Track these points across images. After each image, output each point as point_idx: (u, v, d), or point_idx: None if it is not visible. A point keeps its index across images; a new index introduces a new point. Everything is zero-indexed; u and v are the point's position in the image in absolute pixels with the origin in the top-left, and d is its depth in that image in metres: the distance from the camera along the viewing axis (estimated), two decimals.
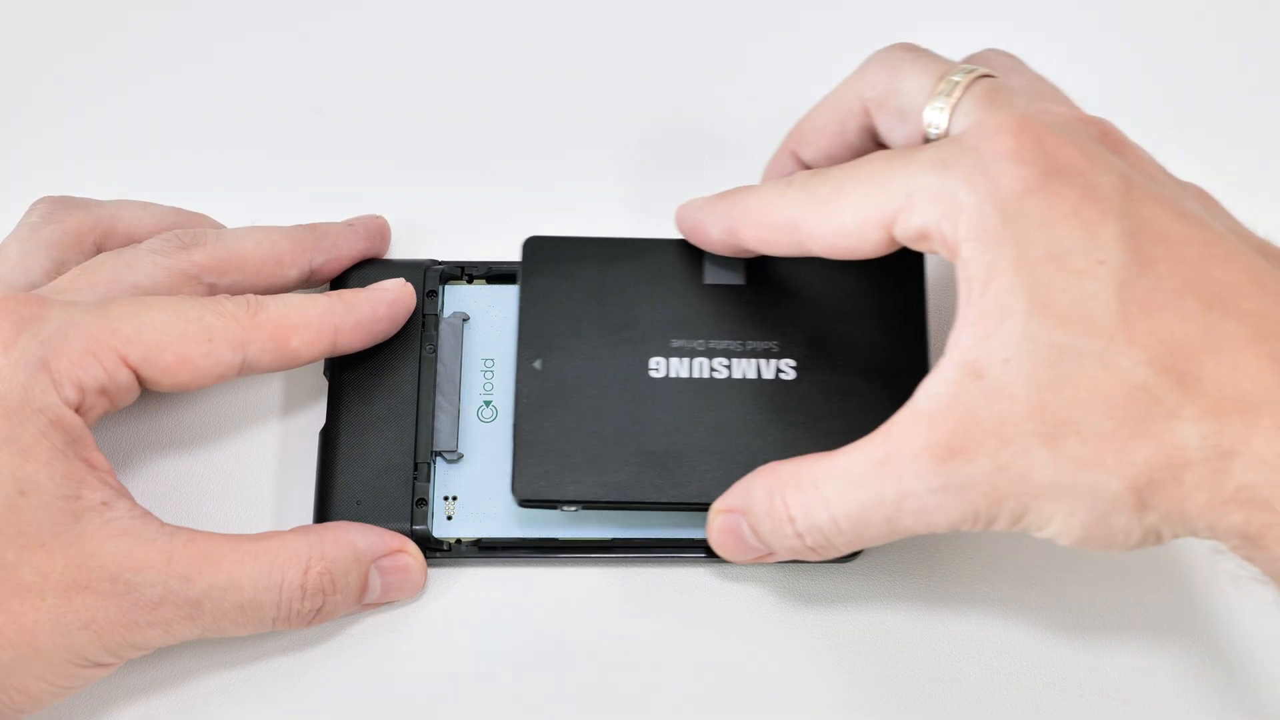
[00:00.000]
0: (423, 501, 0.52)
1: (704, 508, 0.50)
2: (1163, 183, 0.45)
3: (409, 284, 0.53)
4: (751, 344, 0.52)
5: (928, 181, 0.45)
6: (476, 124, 0.61)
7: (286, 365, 0.51)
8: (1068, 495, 0.43)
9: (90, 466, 0.47)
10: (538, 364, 0.52)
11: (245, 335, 0.50)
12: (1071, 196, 0.43)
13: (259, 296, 0.51)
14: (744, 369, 0.52)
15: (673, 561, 0.53)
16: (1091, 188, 0.44)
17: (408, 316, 0.53)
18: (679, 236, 0.53)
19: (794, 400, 0.51)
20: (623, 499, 0.50)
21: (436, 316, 0.54)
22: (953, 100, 0.47)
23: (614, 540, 0.52)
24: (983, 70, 0.48)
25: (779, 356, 0.52)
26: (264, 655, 0.52)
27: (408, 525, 0.52)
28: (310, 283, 0.55)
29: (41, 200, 0.54)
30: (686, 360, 0.52)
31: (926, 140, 0.48)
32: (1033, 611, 0.52)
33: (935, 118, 0.47)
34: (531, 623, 0.53)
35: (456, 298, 0.55)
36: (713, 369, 0.52)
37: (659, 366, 0.52)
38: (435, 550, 0.52)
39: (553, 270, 0.53)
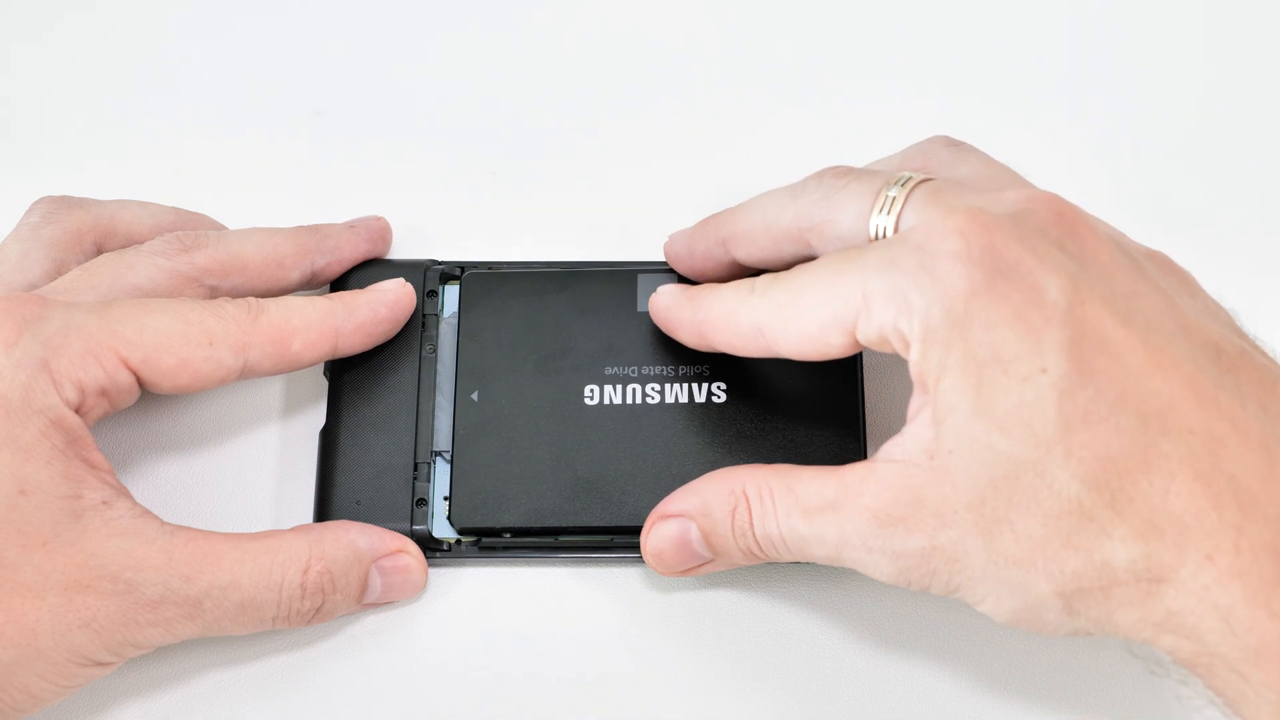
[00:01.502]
0: (423, 501, 0.52)
1: (638, 531, 0.51)
2: (1113, 276, 0.45)
3: (409, 284, 0.53)
4: (683, 368, 0.53)
5: (879, 283, 0.45)
6: (476, 124, 0.61)
7: (287, 369, 0.51)
8: (998, 584, 0.44)
9: (90, 466, 0.47)
10: (474, 395, 0.53)
11: (246, 339, 0.50)
12: (1017, 299, 0.43)
13: (260, 300, 0.51)
14: (676, 393, 0.53)
15: None
16: (1037, 290, 0.43)
17: (408, 317, 0.54)
18: (616, 262, 0.55)
19: (725, 422, 0.53)
20: (558, 525, 0.51)
21: (436, 316, 0.54)
22: (893, 217, 0.47)
23: (613, 541, 0.52)
24: (919, 177, 0.47)
25: (710, 380, 0.53)
26: (265, 654, 0.52)
27: (408, 525, 0.52)
28: (311, 284, 0.55)
29: (41, 200, 0.54)
30: (620, 387, 0.53)
31: None
32: None
33: (880, 235, 0.47)
34: (532, 622, 0.53)
35: (456, 298, 0.55)
36: (646, 394, 0.53)
37: (593, 394, 0.53)
38: (435, 550, 0.52)
39: (490, 304, 0.54)
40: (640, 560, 0.53)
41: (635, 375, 0.53)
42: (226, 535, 0.48)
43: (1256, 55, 0.63)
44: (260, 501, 0.54)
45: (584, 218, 0.59)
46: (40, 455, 0.46)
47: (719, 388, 0.53)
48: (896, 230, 0.46)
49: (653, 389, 0.53)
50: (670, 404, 0.53)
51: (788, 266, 0.49)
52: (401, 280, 0.53)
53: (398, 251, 0.57)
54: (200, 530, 0.48)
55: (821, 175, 0.50)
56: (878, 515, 0.45)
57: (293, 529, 0.50)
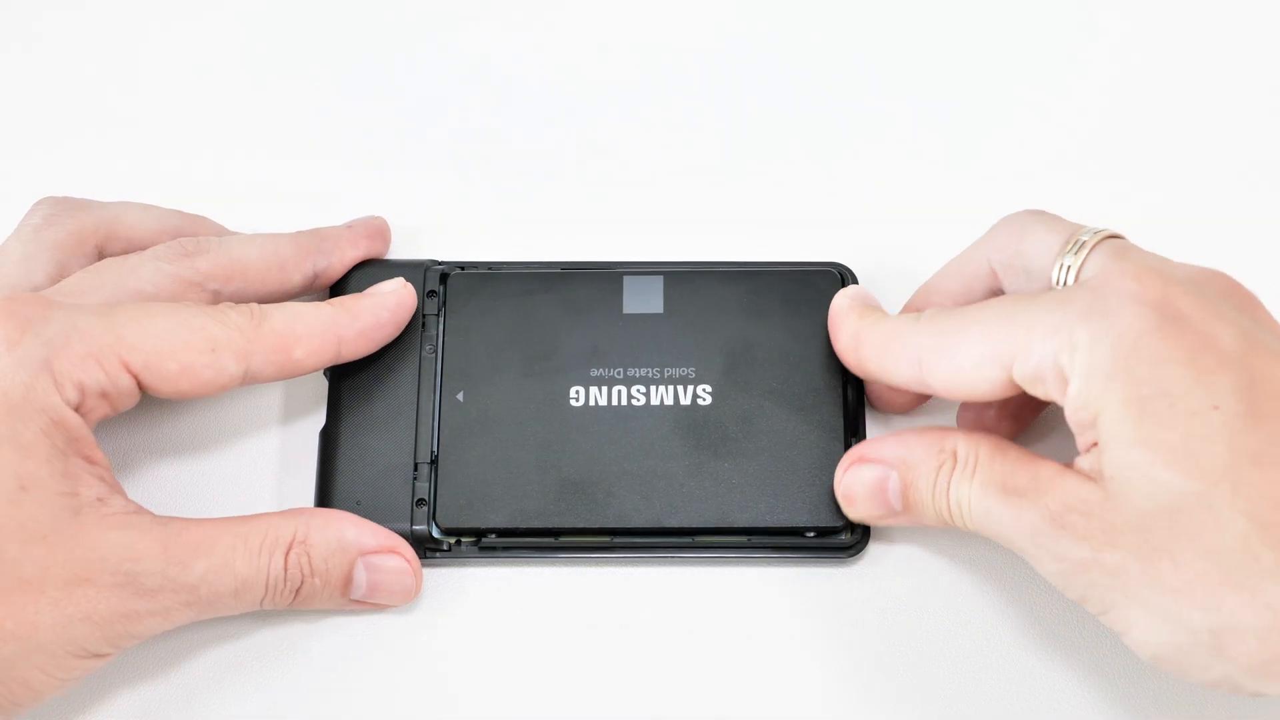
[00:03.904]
0: (423, 501, 0.52)
1: (622, 532, 0.52)
2: None
3: (409, 284, 0.53)
4: (669, 371, 0.53)
5: (1046, 318, 0.45)
6: (476, 124, 0.61)
7: (289, 375, 0.51)
8: (1151, 612, 0.44)
9: (89, 463, 0.48)
10: (460, 396, 0.53)
11: (249, 347, 0.50)
12: (1188, 342, 0.44)
13: (263, 307, 0.51)
14: (662, 395, 0.53)
15: (672, 561, 0.53)
16: (1210, 337, 0.44)
17: (410, 318, 0.54)
18: (600, 263, 0.55)
19: (710, 425, 0.53)
20: (543, 526, 0.52)
21: (436, 317, 0.55)
22: (1080, 258, 0.48)
23: (614, 542, 0.52)
24: (1110, 231, 0.48)
25: (696, 383, 0.53)
26: (262, 653, 0.52)
27: (408, 525, 0.52)
28: (314, 287, 0.55)
29: (43, 201, 0.54)
30: (606, 388, 0.53)
31: None
32: (1032, 615, 0.53)
33: (1062, 275, 0.48)
34: (532, 622, 0.53)
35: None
36: (631, 396, 0.53)
37: (579, 395, 0.53)
38: (435, 550, 0.53)
39: (476, 304, 0.54)
40: (641, 561, 0.53)
41: (620, 377, 0.53)
42: (217, 520, 0.49)
43: None
44: (260, 502, 0.54)
45: (585, 218, 0.59)
46: (40, 453, 0.46)
47: (704, 390, 0.53)
48: (1079, 273, 0.47)
49: (638, 391, 0.53)
50: (655, 406, 0.53)
51: None
52: (401, 280, 0.53)
53: (397, 251, 0.57)
54: (192, 519, 0.48)
55: (1015, 214, 0.51)
56: (1053, 517, 0.45)
57: (284, 511, 0.50)
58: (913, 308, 0.53)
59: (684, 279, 0.55)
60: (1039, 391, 0.46)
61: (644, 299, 0.55)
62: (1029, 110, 0.61)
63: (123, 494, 0.48)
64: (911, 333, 0.49)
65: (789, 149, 0.60)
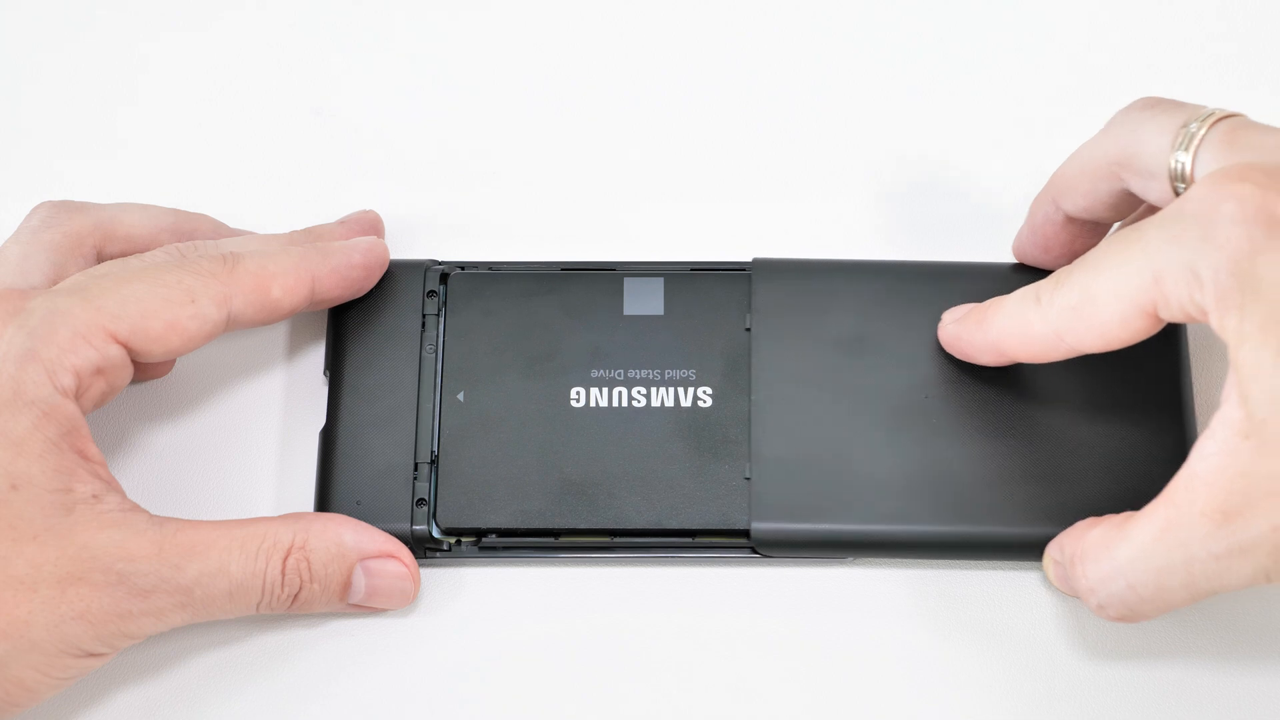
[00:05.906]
0: (423, 501, 0.52)
1: (623, 533, 0.52)
2: None
3: (381, 240, 0.54)
4: (670, 373, 0.53)
5: (1165, 261, 0.44)
6: (476, 123, 0.61)
7: (269, 316, 0.51)
8: None
9: (83, 458, 0.48)
10: (461, 396, 0.53)
11: (227, 290, 0.50)
12: None
13: (234, 251, 0.51)
14: (662, 397, 0.53)
15: (672, 561, 0.53)
16: None
17: (383, 269, 0.54)
18: (600, 264, 0.55)
19: (711, 427, 0.53)
20: (544, 526, 0.52)
21: (436, 317, 0.55)
22: (1191, 152, 0.47)
23: (614, 543, 0.52)
24: (1222, 112, 0.47)
25: (696, 385, 0.53)
26: (262, 655, 0.52)
27: (408, 525, 0.52)
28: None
29: (42, 204, 0.54)
30: (606, 390, 0.53)
31: (1176, 194, 0.47)
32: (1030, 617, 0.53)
33: (1179, 171, 0.47)
34: (532, 622, 0.53)
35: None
36: (632, 398, 0.53)
37: (579, 396, 0.53)
38: (435, 550, 0.53)
39: (477, 305, 0.54)
40: (640, 561, 0.53)
41: (621, 378, 0.53)
42: (214, 523, 0.49)
43: None
44: (260, 502, 0.54)
45: (584, 219, 0.59)
46: (32, 449, 0.47)
47: (705, 392, 0.53)
48: (1193, 168, 0.46)
49: (639, 392, 0.53)
50: (656, 407, 0.53)
51: (1111, 209, 0.50)
52: (374, 238, 0.54)
53: (397, 252, 0.56)
54: (188, 520, 0.48)
55: (1130, 108, 0.50)
56: (1213, 516, 0.43)
57: (282, 515, 0.50)
58: (1045, 201, 0.52)
59: (685, 280, 0.55)
60: (1192, 323, 0.44)
61: (645, 300, 0.55)
62: (1022, 105, 0.61)
63: (119, 491, 0.48)
64: (1040, 317, 0.48)
65: (789, 150, 0.60)
